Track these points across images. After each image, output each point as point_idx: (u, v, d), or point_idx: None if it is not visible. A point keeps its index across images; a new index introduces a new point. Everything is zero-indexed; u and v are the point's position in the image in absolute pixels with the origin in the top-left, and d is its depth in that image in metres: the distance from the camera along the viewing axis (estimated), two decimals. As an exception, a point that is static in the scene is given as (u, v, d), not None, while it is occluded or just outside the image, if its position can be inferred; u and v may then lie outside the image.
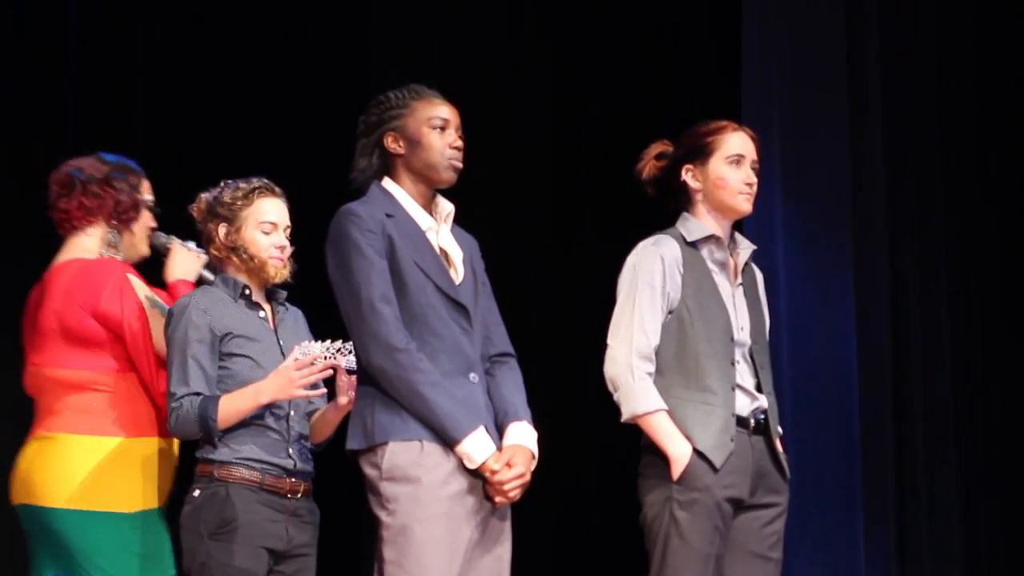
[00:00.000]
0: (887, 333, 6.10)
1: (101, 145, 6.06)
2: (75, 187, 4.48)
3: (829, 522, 5.95)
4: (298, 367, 4.11)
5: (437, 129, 3.97)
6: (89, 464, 4.34)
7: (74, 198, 4.48)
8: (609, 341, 4.21)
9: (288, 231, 4.33)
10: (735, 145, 4.29)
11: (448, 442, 3.81)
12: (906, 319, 6.13)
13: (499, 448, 3.87)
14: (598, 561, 6.33)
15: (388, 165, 4.01)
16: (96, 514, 4.32)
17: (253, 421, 4.17)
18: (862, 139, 6.14)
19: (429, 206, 4.01)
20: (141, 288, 4.45)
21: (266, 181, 4.33)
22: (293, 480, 4.21)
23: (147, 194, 4.56)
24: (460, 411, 3.82)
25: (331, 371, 4.14)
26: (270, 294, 4.36)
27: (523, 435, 3.91)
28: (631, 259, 4.27)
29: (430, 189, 4.01)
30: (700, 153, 4.30)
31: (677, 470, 4.10)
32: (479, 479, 3.84)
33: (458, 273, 3.98)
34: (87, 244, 4.48)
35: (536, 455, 3.92)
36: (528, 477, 3.88)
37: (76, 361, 4.39)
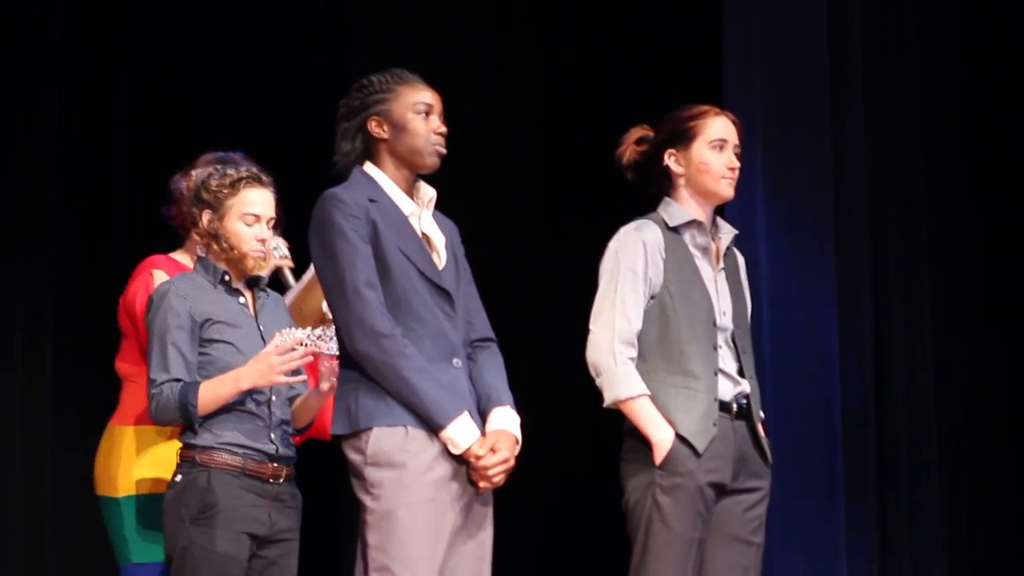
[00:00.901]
0: (868, 322, 6.11)
1: (82, 132, 6.08)
2: (171, 195, 4.69)
3: (810, 510, 5.96)
4: (278, 353, 4.10)
5: (422, 114, 3.95)
6: (109, 452, 4.55)
7: (171, 206, 4.69)
8: (591, 326, 4.21)
9: (272, 222, 4.32)
10: (718, 129, 4.29)
11: (433, 428, 3.80)
12: (888, 309, 6.14)
13: (482, 433, 3.87)
14: (580, 546, 6.34)
15: (370, 150, 3.99)
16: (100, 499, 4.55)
17: (235, 407, 4.17)
18: (844, 133, 6.15)
19: (411, 191, 4.00)
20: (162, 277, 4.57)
21: (254, 170, 4.31)
22: (275, 465, 4.21)
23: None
24: (445, 397, 3.82)
25: (312, 357, 4.13)
26: (251, 280, 4.35)
27: (506, 420, 3.91)
28: (613, 244, 4.26)
29: (412, 174, 3.99)
30: (683, 137, 4.29)
31: (659, 455, 4.10)
32: (463, 464, 3.83)
33: (441, 258, 3.97)
34: (184, 248, 4.69)
35: (520, 440, 3.91)
36: (512, 462, 3.87)
37: (123, 353, 4.60)
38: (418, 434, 3.80)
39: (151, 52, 6.29)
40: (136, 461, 4.52)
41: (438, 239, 3.99)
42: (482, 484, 3.85)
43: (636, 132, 4.38)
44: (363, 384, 3.83)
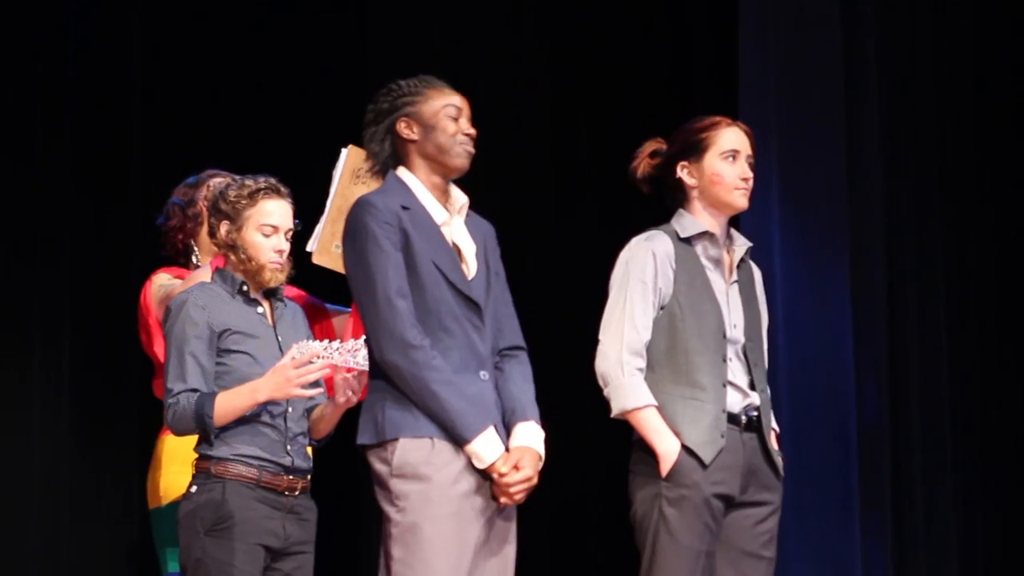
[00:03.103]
0: (884, 333, 6.10)
1: (99, 139, 6.08)
2: (168, 211, 4.81)
3: (826, 522, 5.95)
4: (295, 366, 4.10)
5: (451, 118, 3.93)
6: (153, 466, 4.65)
7: (167, 221, 4.82)
8: (600, 336, 4.21)
9: (290, 233, 4.32)
10: (730, 140, 4.28)
11: (458, 441, 3.79)
12: (903, 319, 6.13)
13: (506, 447, 3.85)
14: (597, 558, 6.33)
15: (399, 152, 3.97)
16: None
17: (251, 419, 4.17)
18: (859, 139, 6.14)
19: (443, 198, 3.97)
20: (160, 280, 4.64)
21: (272, 181, 4.31)
22: (291, 477, 4.21)
23: (201, 200, 4.69)
24: (471, 410, 3.80)
25: (329, 370, 4.13)
26: (269, 291, 4.35)
27: (531, 436, 3.89)
28: (623, 255, 4.26)
29: (444, 179, 3.97)
30: (695, 149, 4.28)
31: (665, 467, 4.09)
32: (487, 478, 3.82)
33: (470, 268, 3.95)
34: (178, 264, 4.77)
35: (543, 456, 3.89)
36: (535, 480, 3.85)
37: (159, 378, 4.58)
38: (444, 447, 3.79)
39: (166, 57, 6.29)
40: (171, 470, 4.55)
41: (468, 248, 3.97)
42: (503, 500, 3.83)
43: (650, 145, 4.38)
44: (390, 394, 3.82)
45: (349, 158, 4.63)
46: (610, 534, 6.16)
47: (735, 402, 4.19)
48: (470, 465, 3.81)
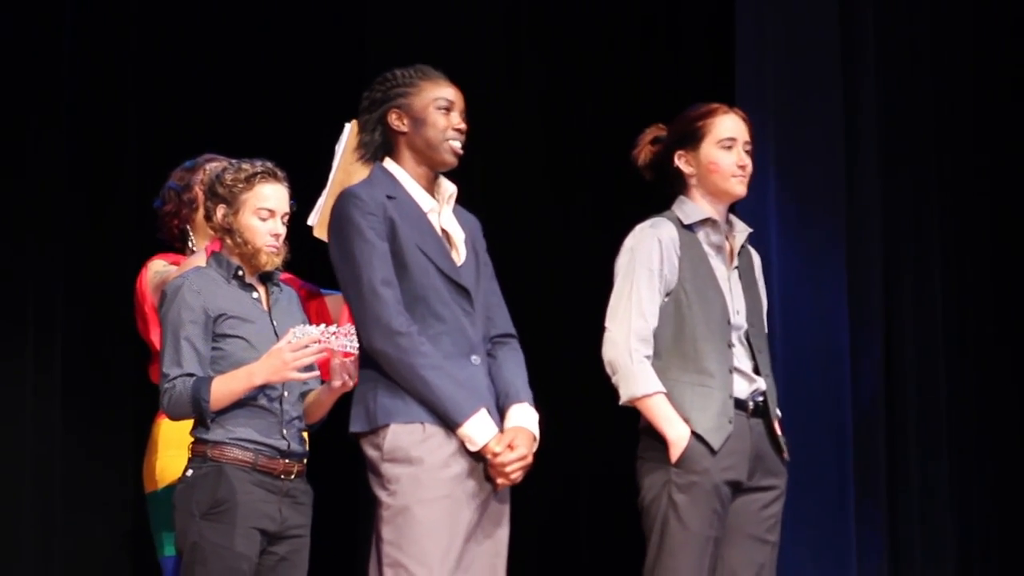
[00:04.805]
0: (880, 321, 6.11)
1: (94, 127, 6.07)
2: (165, 195, 4.78)
3: (821, 509, 5.97)
4: (291, 349, 4.10)
5: (442, 110, 3.94)
6: (149, 449, 4.63)
7: (164, 204, 4.78)
8: (607, 324, 4.21)
9: (287, 217, 4.32)
10: (726, 128, 4.27)
11: (450, 425, 3.81)
12: (899, 308, 6.15)
13: (501, 430, 3.86)
14: (593, 544, 6.35)
15: (390, 143, 3.98)
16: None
17: (247, 402, 4.17)
18: (856, 127, 6.15)
19: (431, 187, 3.98)
20: (155, 267, 4.63)
21: (269, 165, 4.30)
22: (287, 461, 4.21)
23: (197, 185, 4.67)
24: (461, 394, 3.81)
25: (325, 353, 4.13)
26: (264, 275, 4.35)
27: (524, 417, 3.91)
28: (628, 241, 4.26)
29: (432, 171, 3.99)
30: (692, 138, 4.28)
31: (675, 453, 4.10)
32: (480, 461, 3.83)
33: (459, 254, 3.97)
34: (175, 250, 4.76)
35: (537, 437, 3.91)
36: (530, 459, 3.87)
37: (155, 364, 4.55)
38: (435, 431, 3.81)
39: (163, 39, 6.28)
40: (167, 454, 4.54)
41: (457, 235, 3.99)
42: (500, 481, 3.85)
43: (651, 132, 4.39)
44: (381, 382, 3.84)
45: (352, 134, 4.63)
46: (609, 519, 6.17)
47: (741, 388, 4.20)
48: (462, 449, 3.83)
